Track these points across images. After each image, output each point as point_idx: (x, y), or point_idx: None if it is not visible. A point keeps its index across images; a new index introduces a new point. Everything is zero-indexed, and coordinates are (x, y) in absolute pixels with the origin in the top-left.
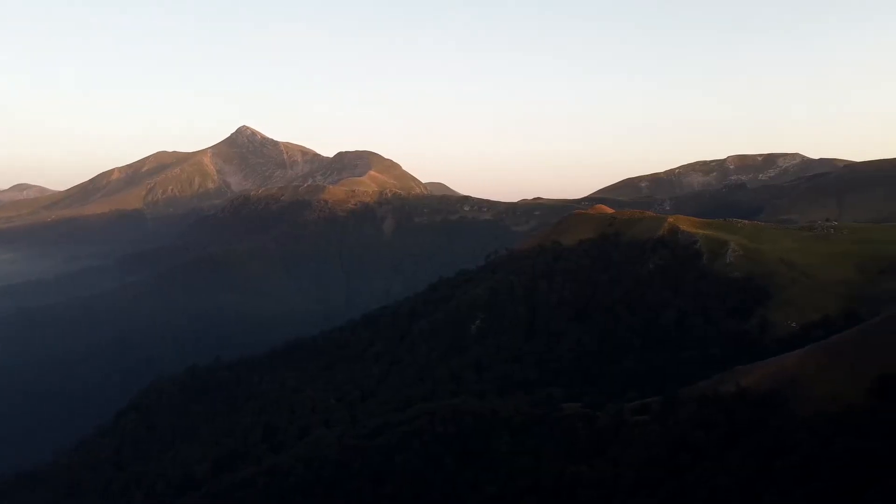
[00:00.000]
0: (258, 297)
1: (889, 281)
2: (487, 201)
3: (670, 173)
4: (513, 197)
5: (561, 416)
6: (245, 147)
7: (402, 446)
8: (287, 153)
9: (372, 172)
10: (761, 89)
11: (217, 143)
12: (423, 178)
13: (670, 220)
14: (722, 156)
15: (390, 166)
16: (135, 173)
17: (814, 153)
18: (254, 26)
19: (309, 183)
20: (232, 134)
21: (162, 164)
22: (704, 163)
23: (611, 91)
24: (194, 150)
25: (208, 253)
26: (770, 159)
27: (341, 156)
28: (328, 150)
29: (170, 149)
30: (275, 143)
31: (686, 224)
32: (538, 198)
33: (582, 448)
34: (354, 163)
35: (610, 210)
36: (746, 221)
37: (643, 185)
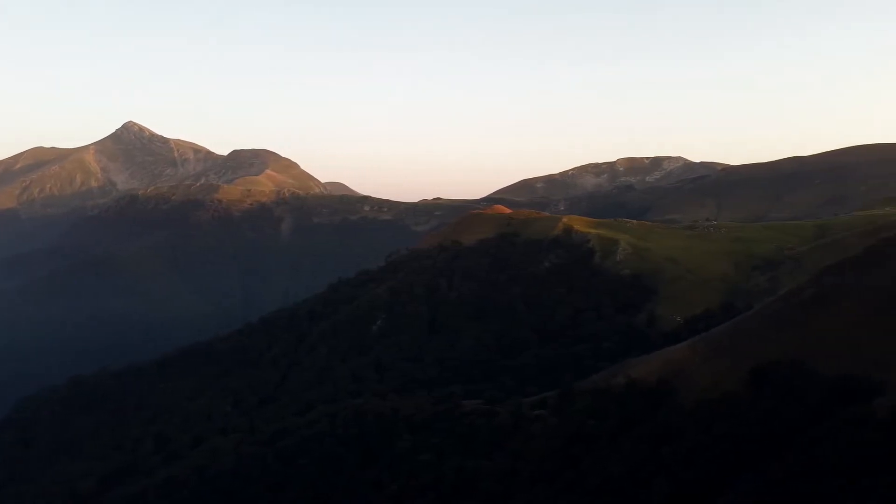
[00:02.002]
0: (148, 302)
1: (761, 276)
2: (388, 201)
3: (564, 174)
4: (413, 197)
5: (461, 413)
6: (132, 144)
7: (302, 450)
8: (178, 151)
9: (269, 172)
10: (648, 94)
11: (101, 138)
12: (323, 178)
13: (565, 220)
14: (612, 158)
15: (288, 165)
16: (6, 170)
17: (695, 156)
18: (138, 16)
19: (202, 182)
20: (117, 130)
21: (39, 160)
22: (596, 165)
23: (505, 93)
24: (75, 146)
25: (92, 255)
26: (656, 162)
27: (236, 154)
28: (222, 149)
29: (47, 144)
30: (164, 140)
31: (579, 224)
32: (438, 198)
33: (482, 443)
34: (250, 161)
35: (507, 210)
36: (635, 221)
37: (539, 185)
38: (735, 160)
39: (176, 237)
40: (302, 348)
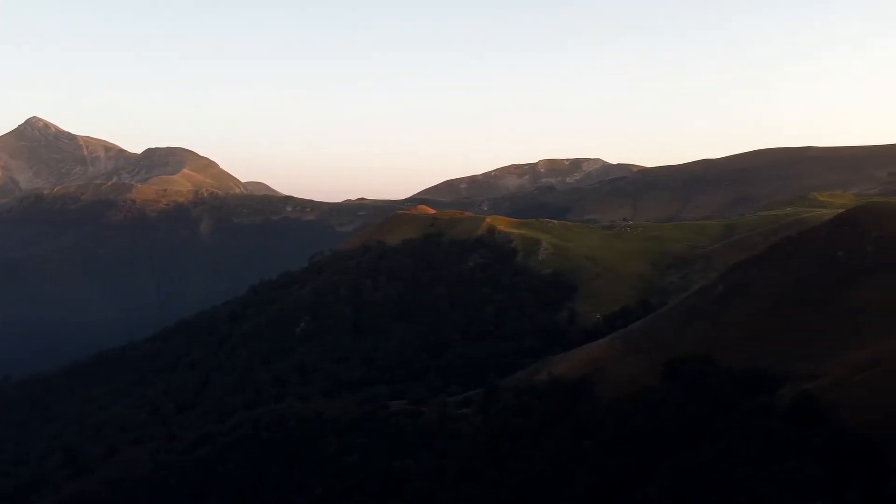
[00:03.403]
0: (55, 307)
1: (675, 274)
2: (311, 201)
3: (487, 175)
4: (337, 197)
5: (387, 414)
6: (36, 140)
7: (224, 457)
8: (87, 148)
9: (186, 171)
10: (568, 96)
11: (2, 135)
12: (243, 178)
13: (488, 220)
14: (534, 160)
15: (206, 165)
16: None
17: (612, 158)
18: (43, 6)
19: (114, 181)
20: (20, 125)
21: None
22: (518, 166)
23: (429, 93)
24: None
25: None
26: (576, 164)
27: (151, 152)
28: (136, 147)
29: None
30: (72, 137)
31: (502, 224)
32: (362, 198)
33: (408, 443)
34: (166, 160)
35: (432, 210)
36: (556, 221)
37: (462, 186)
38: (650, 162)
39: (86, 239)
40: (222, 352)
